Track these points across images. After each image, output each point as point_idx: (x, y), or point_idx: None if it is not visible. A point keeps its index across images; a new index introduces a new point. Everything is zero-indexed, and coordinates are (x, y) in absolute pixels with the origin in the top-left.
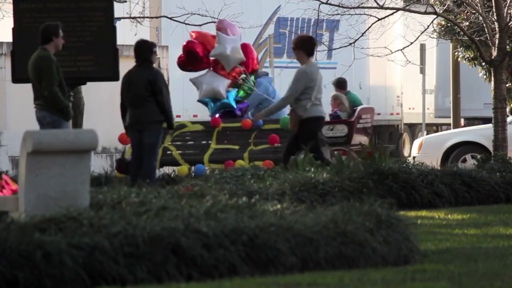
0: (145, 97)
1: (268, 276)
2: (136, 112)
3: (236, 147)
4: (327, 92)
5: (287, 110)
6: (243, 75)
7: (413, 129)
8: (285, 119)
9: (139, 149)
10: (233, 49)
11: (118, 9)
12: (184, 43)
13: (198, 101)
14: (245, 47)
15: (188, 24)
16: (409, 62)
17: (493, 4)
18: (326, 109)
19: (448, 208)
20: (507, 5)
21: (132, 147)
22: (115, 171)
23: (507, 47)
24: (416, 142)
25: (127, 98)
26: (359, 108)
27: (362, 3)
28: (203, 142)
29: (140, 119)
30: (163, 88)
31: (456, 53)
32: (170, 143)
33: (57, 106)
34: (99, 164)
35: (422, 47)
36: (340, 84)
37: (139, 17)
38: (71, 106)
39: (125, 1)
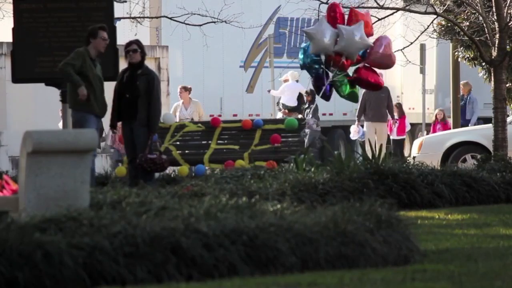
0: (137, 97)
1: (268, 276)
2: (127, 112)
3: (236, 147)
4: None
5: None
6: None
7: (413, 129)
8: (290, 120)
9: (133, 150)
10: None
11: (118, 9)
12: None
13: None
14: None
15: (188, 24)
16: (409, 62)
17: (493, 4)
18: None
19: (448, 208)
20: (507, 5)
21: (125, 148)
22: (115, 171)
23: (507, 47)
24: (416, 142)
25: (119, 98)
26: None
27: (362, 3)
28: (203, 142)
29: (131, 119)
30: (154, 90)
31: (456, 53)
32: (170, 143)
33: (67, 81)
34: (99, 164)
35: (422, 47)
36: None
37: (139, 17)
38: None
39: (125, 1)
